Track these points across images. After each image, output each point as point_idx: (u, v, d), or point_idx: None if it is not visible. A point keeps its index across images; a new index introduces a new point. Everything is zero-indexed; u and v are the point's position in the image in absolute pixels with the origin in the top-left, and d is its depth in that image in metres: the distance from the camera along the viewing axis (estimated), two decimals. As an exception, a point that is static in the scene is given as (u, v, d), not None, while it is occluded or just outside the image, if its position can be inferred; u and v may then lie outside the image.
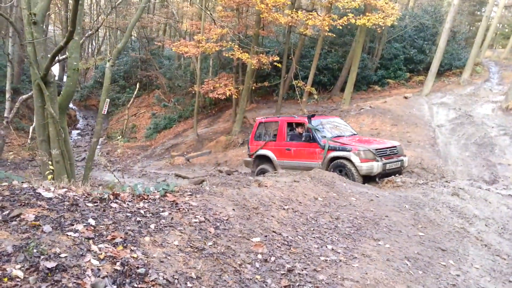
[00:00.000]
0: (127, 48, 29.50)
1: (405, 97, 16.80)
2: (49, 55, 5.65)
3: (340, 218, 5.12)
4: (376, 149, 8.01)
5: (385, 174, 8.11)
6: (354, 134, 9.56)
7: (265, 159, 9.66)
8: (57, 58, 8.17)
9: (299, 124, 9.31)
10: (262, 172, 9.37)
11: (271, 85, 20.48)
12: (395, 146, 8.56)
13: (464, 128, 12.90)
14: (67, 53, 9.45)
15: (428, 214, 5.83)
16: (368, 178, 8.02)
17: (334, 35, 17.25)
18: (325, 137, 8.60)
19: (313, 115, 9.30)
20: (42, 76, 5.51)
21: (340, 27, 14.76)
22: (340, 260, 3.90)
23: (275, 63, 16.03)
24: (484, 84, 18.67)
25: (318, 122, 9.09)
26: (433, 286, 3.74)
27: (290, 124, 9.51)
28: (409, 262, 4.13)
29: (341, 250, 4.17)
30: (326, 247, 4.19)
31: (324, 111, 17.15)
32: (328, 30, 14.74)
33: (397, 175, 8.33)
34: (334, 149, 8.25)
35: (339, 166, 8.07)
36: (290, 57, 17.84)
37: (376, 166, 7.79)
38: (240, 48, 15.65)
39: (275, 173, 8.28)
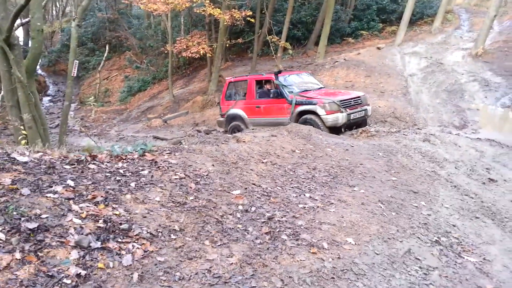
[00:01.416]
0: (93, 8, 28.13)
1: (378, 48, 16.84)
2: (10, 16, 5.37)
3: (317, 168, 5.27)
4: (341, 101, 8.23)
5: (350, 124, 8.41)
6: (321, 88, 9.77)
7: (236, 117, 9.83)
8: (19, 21, 7.78)
9: (267, 81, 9.41)
10: (235, 130, 9.56)
11: (245, 42, 20.08)
12: (359, 97, 8.79)
13: (435, 76, 13.15)
14: (30, 15, 8.98)
15: (401, 160, 6.07)
16: (335, 130, 8.28)
17: (307, -13, 16.88)
18: (292, 92, 8.79)
19: (279, 72, 9.39)
20: (4, 38, 5.27)
21: (313, -22, 14.42)
22: (318, 207, 4.06)
23: (248, 19, 15.67)
24: (455, 32, 18.85)
25: (285, 78, 9.24)
26: (406, 225, 3.98)
27: (258, 82, 9.59)
28: (382, 205, 4.34)
29: (318, 197, 4.34)
30: (304, 195, 4.35)
31: (299, 66, 17.08)
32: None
33: (367, 126, 8.58)
34: (301, 104, 8.46)
35: (306, 120, 8.28)
36: (263, 12, 17.43)
37: (341, 117, 8.05)
38: (212, 4, 15.15)
39: (252, 129, 8.37)
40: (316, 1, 20.77)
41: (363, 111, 8.69)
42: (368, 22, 20.71)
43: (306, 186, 4.62)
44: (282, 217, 3.70)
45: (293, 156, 5.62)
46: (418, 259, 3.40)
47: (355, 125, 8.57)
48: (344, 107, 8.16)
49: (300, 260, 3.02)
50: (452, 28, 19.50)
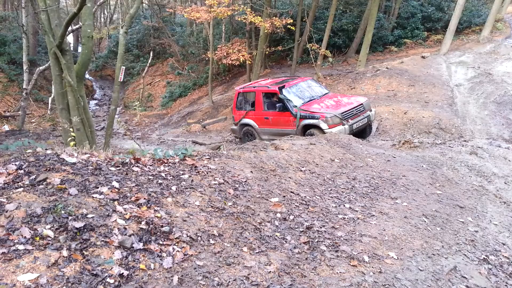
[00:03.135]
0: (139, 16, 29.18)
1: (423, 57, 16.33)
2: (63, 23, 5.66)
3: (357, 178, 5.16)
4: (342, 113, 8.37)
5: (354, 133, 8.42)
6: (326, 94, 9.81)
7: (248, 127, 10.24)
8: (71, 27, 8.19)
9: (274, 94, 9.53)
10: (247, 135, 10.20)
11: (285, 49, 20.10)
12: (361, 104, 8.87)
13: (483, 87, 12.57)
14: (80, 22, 9.44)
15: (446, 173, 5.82)
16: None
17: (349, -5, 16.70)
18: (296, 106, 8.94)
19: (283, 86, 9.41)
20: (57, 44, 5.55)
21: (356, -14, 14.24)
22: (358, 218, 3.96)
23: (289, 26, 15.67)
24: (505, 41, 17.95)
25: (289, 91, 9.37)
26: (451, 241, 3.80)
27: (265, 94, 9.76)
28: (426, 219, 4.17)
29: (358, 208, 4.23)
30: (344, 206, 4.25)
31: (339, 73, 16.87)
32: (343, -11, 14.24)
33: (409, 137, 8.45)
34: (305, 118, 8.67)
35: (311, 134, 8.39)
36: (304, 20, 17.39)
37: (343, 130, 8.19)
38: (253, 12, 15.30)
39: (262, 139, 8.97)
40: (358, 9, 20.48)
41: (366, 118, 8.79)
42: (412, 31, 20.15)
43: (346, 197, 4.53)
44: (321, 227, 3.64)
45: (332, 165, 5.53)
46: (464, 277, 3.23)
47: (359, 132, 8.69)
48: (346, 119, 8.32)
49: (340, 272, 2.95)
50: (502, 37, 18.60)
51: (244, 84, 11.43)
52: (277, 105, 9.22)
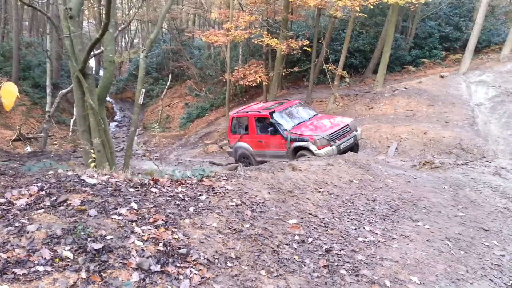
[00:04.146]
0: (158, 40, 29.95)
1: (442, 77, 16.15)
2: (86, 48, 5.83)
3: (376, 200, 5.06)
4: (329, 135, 8.84)
5: (341, 153, 8.76)
6: (314, 116, 10.29)
7: (243, 149, 10.70)
8: (93, 52, 8.44)
9: (265, 118, 10.00)
10: (241, 157, 10.72)
11: (301, 71, 20.19)
12: (347, 125, 9.34)
13: (505, 106, 12.32)
14: (102, 47, 9.72)
15: (469, 195, 5.66)
16: None
17: (365, 16, 16.76)
18: (286, 130, 9.40)
19: (274, 111, 9.89)
20: (80, 68, 5.71)
21: (371, 7, 14.31)
22: (379, 241, 3.87)
23: (305, 48, 15.79)
24: (527, 60, 17.64)
25: (279, 115, 9.86)
26: (476, 266, 3.66)
27: (258, 118, 10.20)
28: (450, 243, 4.05)
29: (379, 231, 4.14)
30: (364, 228, 4.17)
31: (356, 94, 16.83)
32: (358, 10, 14.31)
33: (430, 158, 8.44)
34: (295, 140, 9.14)
35: (302, 155, 8.80)
36: (320, 41, 17.51)
37: (331, 150, 8.66)
38: (269, 34, 15.50)
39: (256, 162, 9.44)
40: (375, 30, 20.53)
41: (352, 138, 9.26)
42: (430, 50, 20.02)
43: (366, 219, 4.44)
44: (340, 250, 3.56)
45: (351, 187, 5.45)
46: (492, 304, 3.09)
47: (347, 151, 8.97)
48: (333, 139, 8.81)
49: (361, 297, 2.87)
50: (523, 55, 18.30)
51: (237, 109, 11.83)
52: (269, 129, 9.74)
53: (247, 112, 10.71)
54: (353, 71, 20.36)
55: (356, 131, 9.57)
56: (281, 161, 7.07)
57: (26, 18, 29.55)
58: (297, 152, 9.11)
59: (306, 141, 8.90)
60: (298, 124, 9.71)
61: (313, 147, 8.72)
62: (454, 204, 5.25)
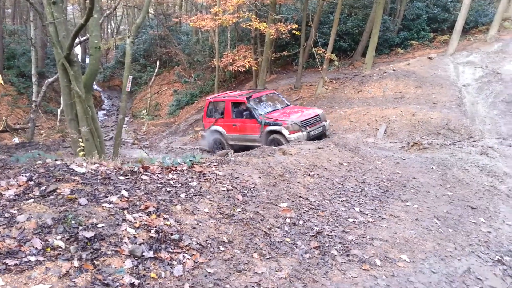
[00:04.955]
0: (145, 26, 29.45)
1: (430, 58, 16.19)
2: (71, 35, 5.72)
3: (366, 181, 5.12)
4: (301, 121, 9.40)
5: (310, 139, 9.24)
6: (287, 106, 10.98)
7: (217, 133, 11.23)
8: (78, 38, 8.29)
9: (242, 103, 10.53)
10: (216, 142, 11.17)
11: (290, 55, 20.07)
12: (318, 115, 9.99)
13: (491, 86, 12.43)
14: (87, 34, 9.56)
15: (457, 174, 5.76)
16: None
17: (354, -2, 16.68)
18: (261, 114, 9.96)
19: (250, 96, 10.51)
20: (65, 55, 5.61)
21: (360, -11, 14.22)
22: (368, 221, 3.93)
23: (294, 32, 15.67)
24: (514, 40, 17.76)
25: (255, 101, 10.47)
26: (464, 243, 3.74)
27: (234, 103, 10.74)
28: (438, 221, 4.13)
29: (368, 212, 4.20)
30: (354, 209, 4.22)
31: (345, 77, 16.82)
32: (347, -8, 14.22)
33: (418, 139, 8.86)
34: (269, 124, 9.71)
35: (274, 138, 9.49)
36: (308, 24, 17.39)
37: (302, 136, 9.19)
38: (258, 18, 15.33)
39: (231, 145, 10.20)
40: (363, 12, 20.43)
41: (321, 127, 9.90)
42: (418, 32, 20.03)
43: (356, 200, 4.49)
44: (331, 232, 3.61)
45: (341, 169, 5.50)
46: (479, 279, 3.18)
47: (315, 138, 9.51)
48: (305, 126, 9.36)
49: (352, 276, 2.92)
50: (510, 36, 18.39)
51: (214, 95, 12.28)
52: (244, 113, 10.27)
53: (224, 97, 11.26)
54: (342, 54, 20.31)
55: (326, 121, 10.23)
56: (251, 146, 7.58)
57: (8, 5, 28.79)
58: (270, 136, 9.66)
59: (280, 125, 9.46)
60: (272, 111, 10.36)
61: (285, 131, 9.27)
62: (442, 184, 5.34)
